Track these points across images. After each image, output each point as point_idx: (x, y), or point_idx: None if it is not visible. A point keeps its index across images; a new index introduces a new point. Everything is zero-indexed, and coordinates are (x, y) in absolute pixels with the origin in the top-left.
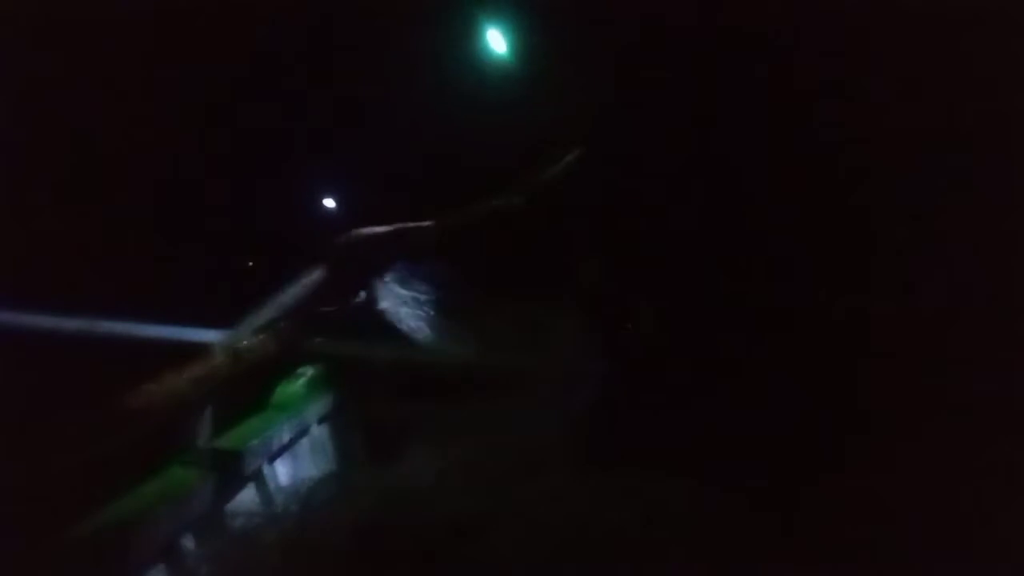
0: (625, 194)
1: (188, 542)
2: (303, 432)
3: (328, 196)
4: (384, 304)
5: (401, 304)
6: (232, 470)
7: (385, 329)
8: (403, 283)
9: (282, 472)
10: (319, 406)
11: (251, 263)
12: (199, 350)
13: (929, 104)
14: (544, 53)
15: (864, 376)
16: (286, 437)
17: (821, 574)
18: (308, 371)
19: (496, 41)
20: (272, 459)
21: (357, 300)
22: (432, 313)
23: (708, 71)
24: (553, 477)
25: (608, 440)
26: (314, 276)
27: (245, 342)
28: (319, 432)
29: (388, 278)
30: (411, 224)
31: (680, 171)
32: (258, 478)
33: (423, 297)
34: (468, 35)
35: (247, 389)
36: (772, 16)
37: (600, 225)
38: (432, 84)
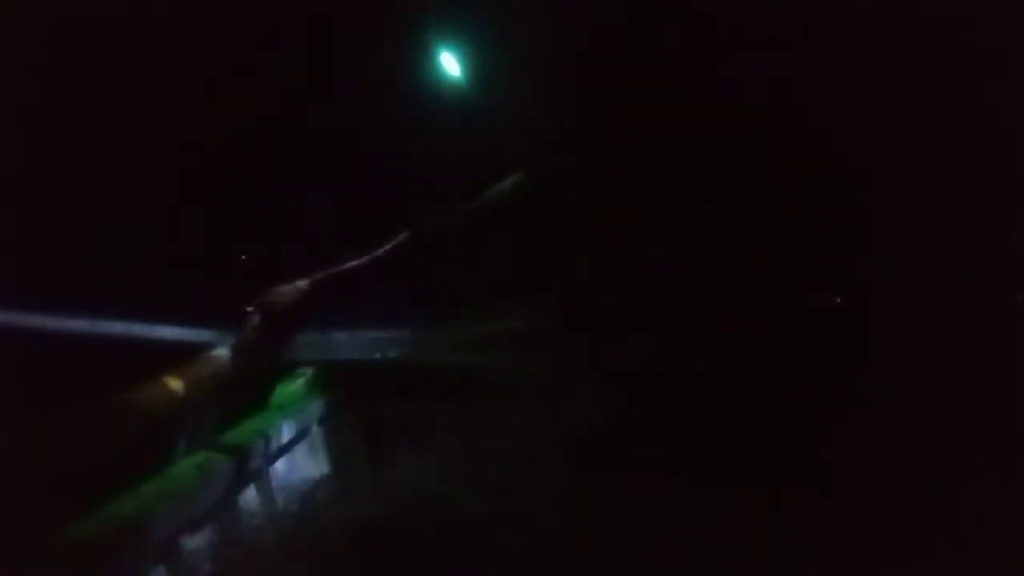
0: (611, 201)
1: (188, 542)
2: (303, 432)
3: (323, 195)
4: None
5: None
6: (232, 470)
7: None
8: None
9: (282, 472)
10: (319, 406)
11: (244, 256)
12: (199, 350)
13: (930, 104)
14: (499, 75)
15: (864, 376)
16: (286, 437)
17: (821, 574)
18: (308, 371)
19: (450, 64)
20: (272, 459)
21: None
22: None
23: (671, 82)
24: (552, 478)
25: (607, 441)
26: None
27: (244, 343)
28: (319, 432)
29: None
30: (336, 270)
31: (656, 178)
32: (258, 478)
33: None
34: (421, 58)
35: (247, 389)
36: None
37: (590, 232)
38: (385, 108)
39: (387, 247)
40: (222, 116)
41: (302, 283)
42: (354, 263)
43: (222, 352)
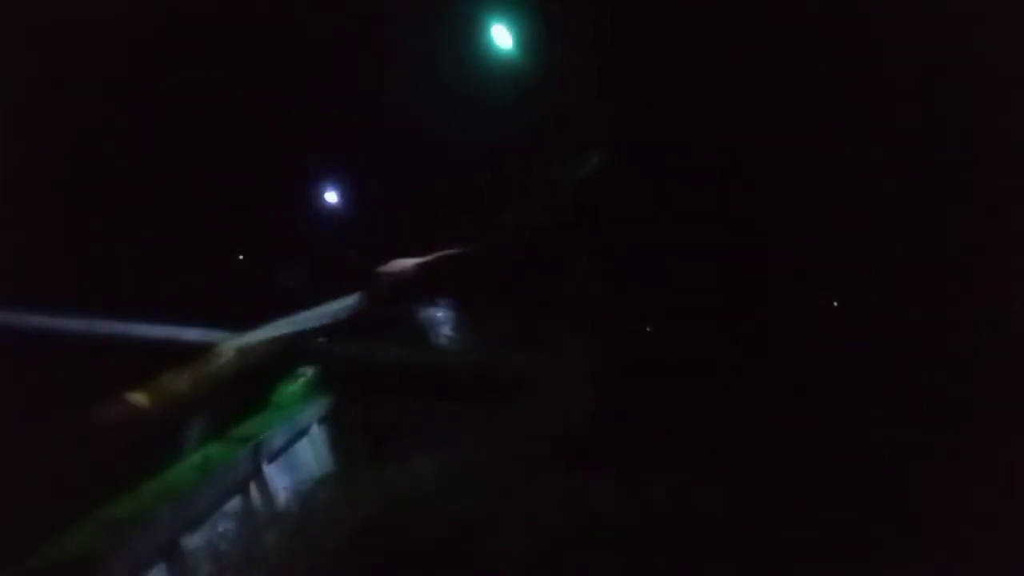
0: (626, 195)
1: (188, 542)
2: (303, 432)
3: (328, 192)
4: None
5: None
6: (232, 470)
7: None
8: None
9: (282, 472)
10: (319, 406)
11: (241, 257)
12: (199, 350)
13: (931, 104)
14: (551, 48)
15: (863, 375)
16: (286, 437)
17: (820, 574)
18: (308, 371)
19: (501, 36)
20: (272, 459)
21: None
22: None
23: (714, 65)
24: (553, 477)
25: (608, 441)
26: (352, 300)
27: (246, 343)
28: (319, 432)
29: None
30: (448, 253)
31: (684, 169)
32: (258, 478)
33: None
34: (472, 30)
35: (247, 389)
36: (782, 15)
37: (594, 225)
38: (435, 81)
39: (492, 239)
40: (227, 111)
41: (413, 260)
42: (462, 251)
43: (223, 352)
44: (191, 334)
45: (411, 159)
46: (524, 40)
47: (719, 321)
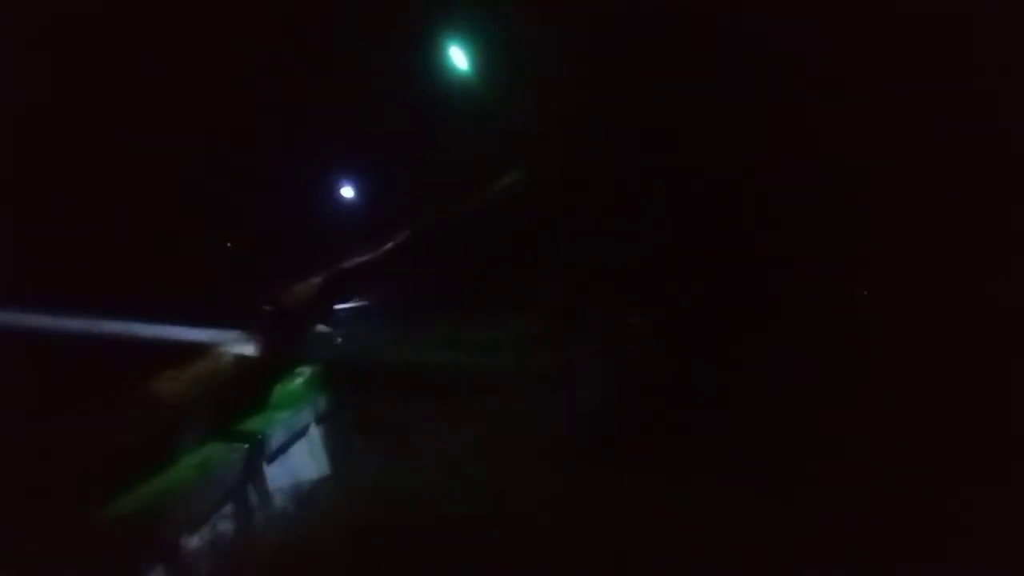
0: (602, 200)
1: (188, 542)
2: (302, 432)
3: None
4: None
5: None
6: (231, 470)
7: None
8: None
9: (281, 472)
10: (319, 406)
11: (230, 244)
12: (199, 350)
13: (930, 102)
14: (508, 70)
15: (864, 375)
16: (285, 437)
17: (820, 574)
18: (308, 371)
19: (458, 58)
20: (272, 459)
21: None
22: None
23: (674, 80)
24: (551, 477)
25: (606, 440)
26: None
27: (245, 342)
28: (319, 432)
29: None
30: (347, 266)
31: (654, 176)
32: (257, 478)
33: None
34: (429, 52)
35: (247, 389)
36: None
37: (589, 229)
38: (392, 101)
39: (394, 243)
40: (221, 111)
41: (315, 280)
42: (362, 259)
43: (223, 352)
44: (191, 334)
45: (367, 179)
46: (480, 62)
47: (718, 317)
